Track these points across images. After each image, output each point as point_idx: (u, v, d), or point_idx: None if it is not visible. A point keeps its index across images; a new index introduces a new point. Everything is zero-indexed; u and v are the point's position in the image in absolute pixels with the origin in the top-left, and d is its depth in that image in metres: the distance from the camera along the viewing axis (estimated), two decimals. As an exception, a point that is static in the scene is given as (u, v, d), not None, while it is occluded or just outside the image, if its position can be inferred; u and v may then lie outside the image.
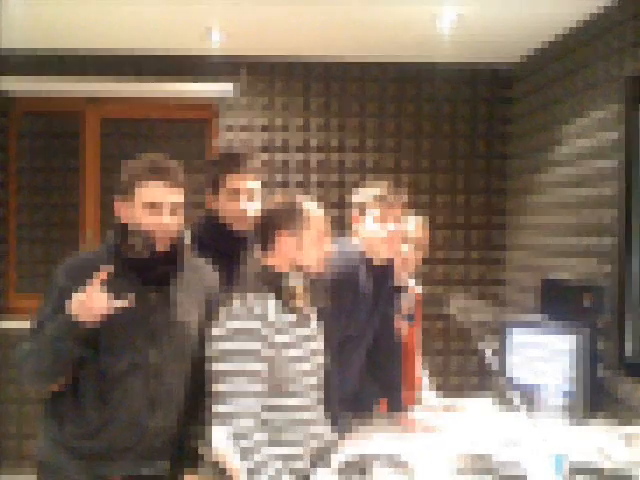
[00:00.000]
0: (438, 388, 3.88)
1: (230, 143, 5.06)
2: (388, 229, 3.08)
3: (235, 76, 5.09)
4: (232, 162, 3.08)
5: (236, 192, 3.03)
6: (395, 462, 2.60)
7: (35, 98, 5.11)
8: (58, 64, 4.99)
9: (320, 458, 2.59)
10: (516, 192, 5.08)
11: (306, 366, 2.57)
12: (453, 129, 5.24)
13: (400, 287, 3.37)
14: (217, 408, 2.45)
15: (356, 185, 3.51)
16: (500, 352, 3.78)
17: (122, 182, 2.51)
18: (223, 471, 2.43)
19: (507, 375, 3.71)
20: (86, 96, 5.09)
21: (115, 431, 2.46)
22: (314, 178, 5.12)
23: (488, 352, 3.97)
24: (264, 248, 2.62)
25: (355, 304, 3.03)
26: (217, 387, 2.46)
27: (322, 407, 2.65)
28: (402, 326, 3.39)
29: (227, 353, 2.46)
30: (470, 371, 5.15)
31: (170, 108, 5.15)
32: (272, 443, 2.47)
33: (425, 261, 3.69)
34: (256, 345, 2.47)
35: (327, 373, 2.68)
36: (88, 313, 2.33)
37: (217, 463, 2.45)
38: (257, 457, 2.41)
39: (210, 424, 2.46)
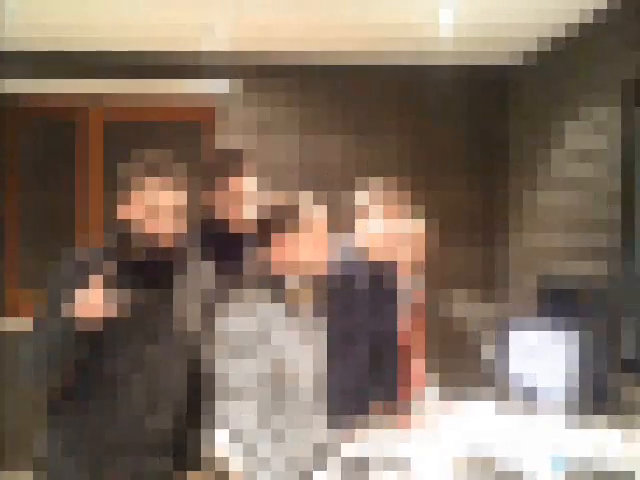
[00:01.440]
0: (438, 388, 3.86)
1: (230, 143, 5.04)
2: (388, 229, 3.10)
3: (235, 76, 5.11)
4: (231, 162, 3.09)
5: (236, 193, 3.03)
6: (394, 462, 2.61)
7: (36, 98, 5.12)
8: (59, 65, 5.01)
9: (319, 458, 2.59)
10: (517, 192, 5.09)
11: (306, 366, 2.59)
12: (453, 129, 5.24)
13: (400, 287, 3.34)
14: (217, 409, 2.46)
15: (356, 185, 3.50)
16: (500, 352, 3.78)
17: (121, 182, 2.52)
18: (223, 471, 2.45)
19: (507, 375, 3.70)
20: (87, 96, 5.12)
21: (115, 431, 2.48)
22: (314, 178, 5.11)
23: (488, 352, 3.96)
24: (264, 249, 2.64)
25: (355, 304, 3.04)
26: (217, 388, 2.47)
27: (322, 407, 2.66)
28: (402, 326, 3.37)
29: (227, 354, 2.48)
30: (470, 371, 5.12)
31: (170, 108, 5.14)
32: (272, 443, 2.49)
33: (425, 261, 3.67)
34: (256, 346, 2.50)
35: (327, 373, 2.69)
36: (88, 314, 2.35)
37: (217, 463, 2.47)
38: (257, 457, 2.45)
39: (210, 425, 2.48)
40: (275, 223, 2.64)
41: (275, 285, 2.58)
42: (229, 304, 2.52)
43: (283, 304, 2.58)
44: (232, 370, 2.46)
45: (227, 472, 2.44)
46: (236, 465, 2.42)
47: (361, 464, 2.57)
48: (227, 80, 5.12)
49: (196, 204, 2.91)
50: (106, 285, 2.36)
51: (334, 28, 4.47)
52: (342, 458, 2.61)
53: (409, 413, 3.20)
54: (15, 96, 5.10)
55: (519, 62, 5.06)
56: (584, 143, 4.17)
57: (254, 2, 4.02)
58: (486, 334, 4.07)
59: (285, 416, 2.53)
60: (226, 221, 3.06)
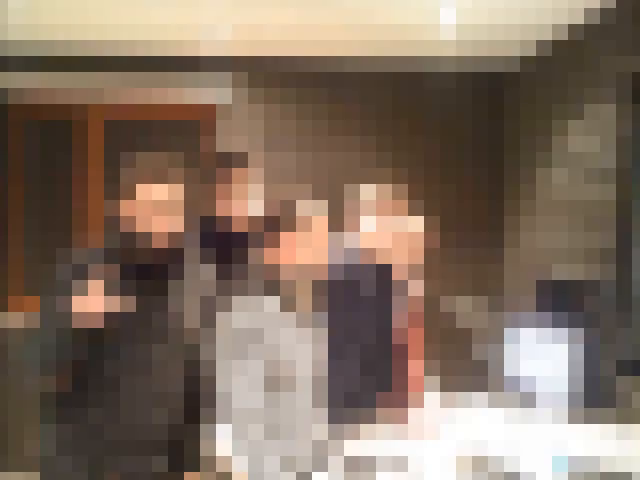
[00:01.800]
0: (437, 388, 3.84)
1: (229, 144, 5.05)
2: (388, 229, 3.06)
3: (233, 78, 5.08)
4: (231, 163, 3.08)
5: (235, 193, 3.02)
6: (395, 461, 2.62)
7: (36, 98, 5.11)
8: (58, 65, 5.01)
9: (319, 458, 2.58)
10: (516, 191, 5.09)
11: (306, 366, 2.59)
12: (452, 129, 5.24)
13: (400, 286, 3.32)
14: (216, 408, 2.47)
15: (356, 185, 3.48)
16: (499, 351, 3.85)
17: (121, 182, 2.54)
18: (223, 470, 2.47)
19: (506, 374, 3.74)
20: (87, 96, 5.10)
21: (115, 430, 2.51)
22: (314, 178, 5.10)
23: (487, 352, 3.94)
24: (263, 249, 2.62)
25: (354, 304, 3.02)
26: (216, 387, 2.49)
27: (322, 407, 2.65)
28: (402, 326, 3.34)
29: (226, 353, 2.49)
30: (469, 370, 5.13)
31: (170, 109, 5.15)
32: (272, 442, 2.49)
33: (425, 261, 3.66)
34: (255, 345, 2.50)
35: (327, 373, 2.68)
36: (87, 314, 2.39)
37: (217, 462, 2.48)
38: (257, 457, 2.45)
39: (210, 423, 2.49)
40: (269, 221, 2.62)
41: (274, 284, 2.57)
42: (228, 303, 2.53)
43: (283, 303, 2.57)
44: (231, 369, 2.48)
45: (226, 470, 2.46)
46: (235, 464, 2.43)
47: (361, 463, 2.57)
48: (225, 81, 5.11)
49: (196, 204, 2.93)
50: (106, 285, 2.40)
51: (333, 29, 4.45)
52: (342, 457, 2.60)
53: (405, 406, 3.16)
54: (19, 92, 5.10)
55: (516, 68, 5.07)
56: (584, 142, 4.14)
57: (254, 5, 4.00)
58: (485, 334, 4.00)
59: (285, 416, 2.53)
60: (226, 220, 3.05)
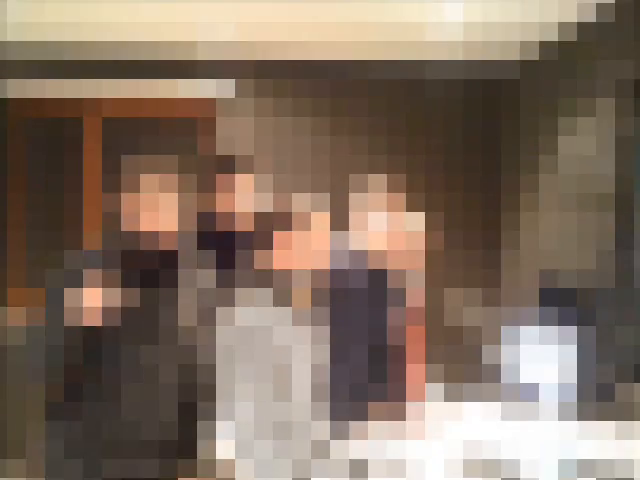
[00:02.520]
0: (438, 389, 3.80)
1: (228, 143, 4.99)
2: (388, 229, 2.94)
3: (234, 75, 5.06)
4: (230, 162, 3.05)
5: (234, 192, 2.95)
6: (395, 462, 2.59)
7: (33, 98, 5.06)
8: (55, 64, 4.98)
9: (319, 459, 2.53)
10: (516, 191, 5.15)
11: (306, 367, 2.53)
12: (452, 128, 5.21)
13: (400, 287, 3.21)
14: (216, 409, 2.45)
15: (356, 185, 3.41)
16: (500, 352, 3.79)
17: (120, 182, 2.56)
18: (223, 471, 2.44)
19: (507, 376, 3.71)
20: (85, 95, 5.06)
21: (116, 432, 2.53)
22: (313, 178, 5.05)
23: (488, 353, 3.94)
24: (262, 249, 2.55)
25: (355, 304, 2.90)
26: (216, 388, 2.46)
27: (322, 408, 2.58)
28: (402, 326, 3.26)
29: (226, 354, 2.46)
30: (470, 372, 5.02)
31: (169, 107, 5.12)
32: (271, 443, 2.47)
33: (425, 261, 3.51)
34: (255, 346, 2.45)
35: (327, 374, 2.61)
36: (87, 315, 2.43)
37: (217, 462, 2.45)
38: (256, 457, 2.43)
39: (209, 425, 2.46)
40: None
41: (274, 285, 2.54)
42: (227, 304, 2.49)
43: (282, 304, 2.51)
44: (231, 370, 2.46)
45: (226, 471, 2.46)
46: (235, 464, 2.42)
47: (361, 465, 2.55)
48: (225, 78, 5.10)
49: (195, 203, 2.89)
50: (105, 286, 2.46)
51: (336, 28, 4.43)
52: (342, 459, 2.56)
53: (411, 413, 3.09)
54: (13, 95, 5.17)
55: (518, 61, 5.05)
56: (584, 142, 4.12)
57: (254, 2, 3.99)
58: (486, 335, 4.13)
59: (285, 417, 2.49)
60: (224, 220, 2.96)
